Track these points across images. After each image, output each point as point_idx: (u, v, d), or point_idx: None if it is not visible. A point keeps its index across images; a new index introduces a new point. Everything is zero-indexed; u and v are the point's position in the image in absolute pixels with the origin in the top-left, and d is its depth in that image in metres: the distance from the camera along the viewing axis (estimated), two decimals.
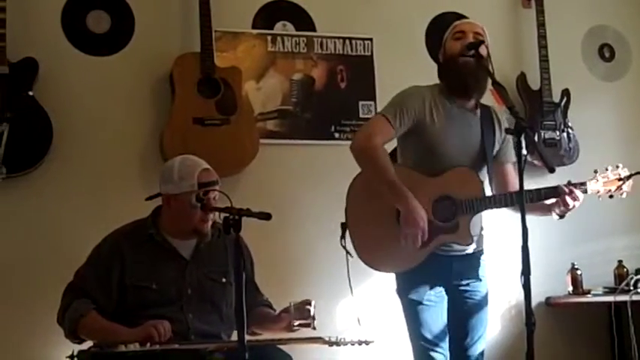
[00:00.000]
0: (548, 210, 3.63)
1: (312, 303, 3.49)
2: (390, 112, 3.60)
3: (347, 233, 3.70)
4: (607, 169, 3.70)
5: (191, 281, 3.56)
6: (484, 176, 3.67)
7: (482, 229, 3.77)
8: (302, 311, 3.48)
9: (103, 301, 3.46)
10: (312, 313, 3.47)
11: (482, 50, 3.56)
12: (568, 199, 3.51)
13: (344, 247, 3.64)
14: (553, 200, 3.60)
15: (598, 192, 3.67)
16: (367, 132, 3.63)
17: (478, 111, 3.72)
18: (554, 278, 5.28)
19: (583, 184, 3.63)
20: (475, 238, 3.63)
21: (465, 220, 3.57)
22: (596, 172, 3.69)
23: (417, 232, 3.44)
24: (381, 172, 3.52)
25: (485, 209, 3.62)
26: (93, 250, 3.62)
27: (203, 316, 3.54)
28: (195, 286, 3.56)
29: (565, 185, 3.57)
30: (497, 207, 3.62)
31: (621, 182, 3.66)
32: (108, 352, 3.17)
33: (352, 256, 3.64)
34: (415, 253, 3.56)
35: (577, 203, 3.54)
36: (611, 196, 3.68)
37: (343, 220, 3.71)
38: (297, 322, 3.47)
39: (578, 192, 3.55)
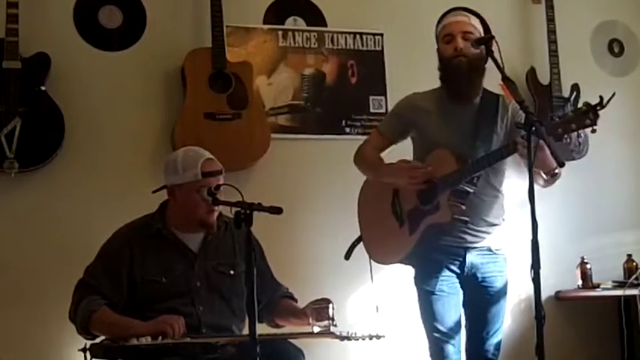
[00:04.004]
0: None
1: (331, 305, 3.47)
2: (383, 124, 3.98)
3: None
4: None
5: (199, 274, 3.58)
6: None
7: (500, 221, 3.77)
8: (321, 312, 3.48)
9: (113, 296, 3.48)
10: (331, 315, 3.46)
11: (468, 48, 3.63)
12: (523, 149, 3.22)
13: (348, 253, 3.99)
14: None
15: (568, 127, 3.19)
16: (360, 146, 3.94)
17: (477, 99, 3.74)
18: (563, 272, 5.29)
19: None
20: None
21: (444, 198, 3.59)
22: None
23: (410, 172, 3.64)
24: (371, 166, 3.84)
25: (459, 181, 3.55)
26: (102, 246, 3.64)
27: (213, 309, 3.55)
28: (204, 279, 3.58)
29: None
30: (467, 176, 3.55)
31: (592, 111, 3.14)
32: (120, 345, 3.17)
33: (347, 259, 3.98)
34: (406, 239, 3.69)
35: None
36: (594, 131, 3.16)
37: (353, 214, 3.94)
38: (317, 329, 3.45)
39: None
